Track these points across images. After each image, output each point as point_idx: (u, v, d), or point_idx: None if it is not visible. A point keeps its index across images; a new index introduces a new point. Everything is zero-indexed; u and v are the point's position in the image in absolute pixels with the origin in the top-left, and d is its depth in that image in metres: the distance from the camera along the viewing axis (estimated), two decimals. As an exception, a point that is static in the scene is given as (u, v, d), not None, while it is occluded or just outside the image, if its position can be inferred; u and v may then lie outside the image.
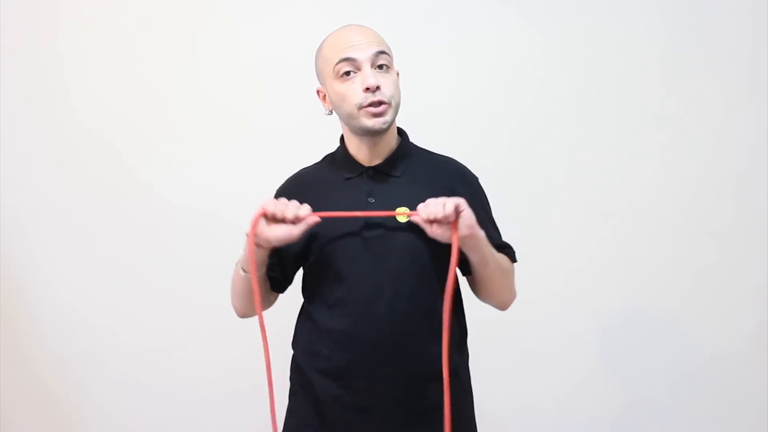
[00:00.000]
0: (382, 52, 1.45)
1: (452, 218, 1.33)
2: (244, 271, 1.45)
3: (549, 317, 2.39)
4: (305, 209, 1.36)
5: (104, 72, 2.42)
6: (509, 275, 1.55)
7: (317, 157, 1.64)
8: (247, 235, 1.38)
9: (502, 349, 2.26)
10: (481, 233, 1.41)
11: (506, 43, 2.40)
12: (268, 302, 1.59)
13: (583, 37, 2.40)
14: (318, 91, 1.54)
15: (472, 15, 2.39)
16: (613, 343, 2.42)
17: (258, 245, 1.39)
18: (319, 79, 1.53)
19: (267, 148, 2.38)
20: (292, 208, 1.36)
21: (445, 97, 2.33)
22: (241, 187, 2.37)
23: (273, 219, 1.36)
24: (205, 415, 2.44)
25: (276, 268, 1.55)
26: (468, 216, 1.35)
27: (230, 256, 1.58)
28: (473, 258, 1.44)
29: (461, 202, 1.34)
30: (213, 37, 2.42)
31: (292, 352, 1.62)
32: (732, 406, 2.40)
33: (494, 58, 2.40)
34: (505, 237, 1.63)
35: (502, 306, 1.58)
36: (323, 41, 1.51)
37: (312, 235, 1.47)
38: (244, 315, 1.59)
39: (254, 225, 1.36)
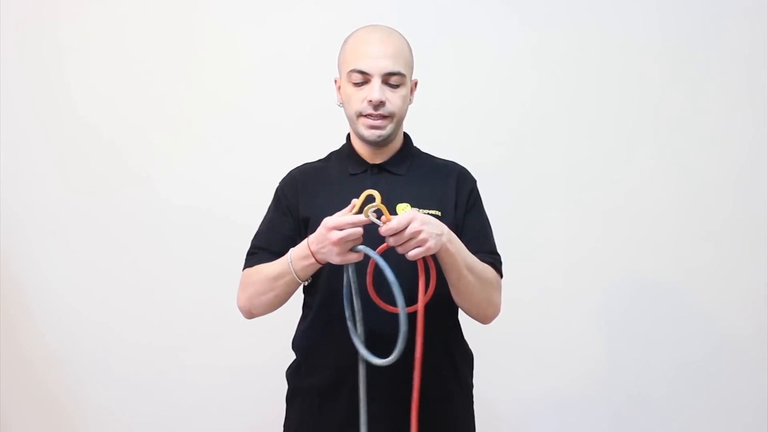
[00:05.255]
0: (395, 74, 1.47)
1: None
2: (300, 279, 1.45)
3: (548, 314, 2.39)
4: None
5: (105, 70, 2.42)
6: (489, 288, 1.50)
7: (316, 157, 1.65)
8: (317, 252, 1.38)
9: (502, 346, 2.26)
10: (453, 246, 1.39)
11: (505, 42, 2.40)
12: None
13: (582, 36, 2.40)
14: (335, 80, 1.57)
15: (471, 14, 2.40)
16: (612, 341, 2.42)
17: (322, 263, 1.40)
18: (338, 70, 1.55)
19: (268, 147, 2.38)
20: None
21: (443, 96, 2.33)
22: (242, 186, 2.37)
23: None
24: (205, 414, 2.43)
25: None
26: (431, 243, 1.33)
27: (231, 255, 1.59)
28: (444, 267, 1.42)
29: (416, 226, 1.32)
30: (214, 35, 2.42)
31: (290, 353, 1.62)
32: (731, 404, 2.40)
33: (493, 57, 2.41)
34: (504, 236, 1.64)
35: (483, 319, 1.54)
36: (351, 35, 1.53)
37: (313, 228, 1.48)
38: (254, 316, 1.57)
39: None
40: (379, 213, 1.34)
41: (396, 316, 1.32)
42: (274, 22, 2.41)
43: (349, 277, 1.39)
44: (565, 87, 2.41)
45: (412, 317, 1.33)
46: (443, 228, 1.38)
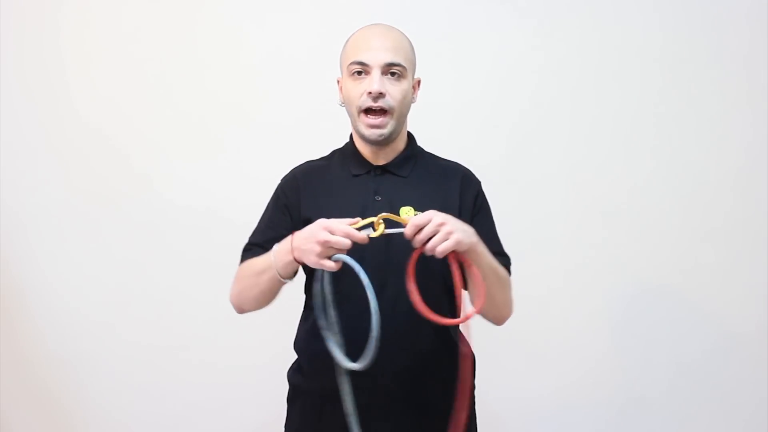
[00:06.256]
0: (395, 65, 1.47)
1: (448, 250, 1.32)
2: (281, 276, 1.44)
3: (548, 315, 2.39)
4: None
5: (106, 70, 2.42)
6: (507, 288, 1.53)
7: (318, 156, 1.65)
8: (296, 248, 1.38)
9: (503, 347, 2.25)
10: (480, 246, 1.40)
11: (504, 41, 2.40)
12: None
13: (581, 36, 2.40)
14: (338, 81, 1.56)
15: (470, 13, 2.40)
16: (612, 341, 2.42)
17: (297, 261, 1.39)
18: (340, 69, 1.55)
19: (268, 147, 2.38)
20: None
21: (443, 95, 2.33)
22: (243, 186, 2.37)
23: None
24: (206, 414, 2.43)
25: None
26: (459, 236, 1.33)
27: (232, 255, 1.59)
28: (476, 264, 1.40)
29: (448, 226, 1.32)
30: (215, 35, 2.42)
31: (292, 353, 1.62)
32: (732, 403, 2.40)
33: (492, 56, 2.41)
34: (503, 235, 1.63)
35: (499, 320, 1.56)
36: (352, 34, 1.54)
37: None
38: (245, 311, 1.58)
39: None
40: (390, 223, 1.35)
41: (392, 321, 1.36)
42: (276, 22, 2.41)
43: (323, 287, 1.40)
44: (564, 87, 2.41)
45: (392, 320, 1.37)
46: (472, 229, 1.38)
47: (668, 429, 2.41)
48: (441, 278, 1.49)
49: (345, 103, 1.53)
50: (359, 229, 1.35)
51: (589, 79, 2.41)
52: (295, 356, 1.61)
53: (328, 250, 1.33)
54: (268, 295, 1.51)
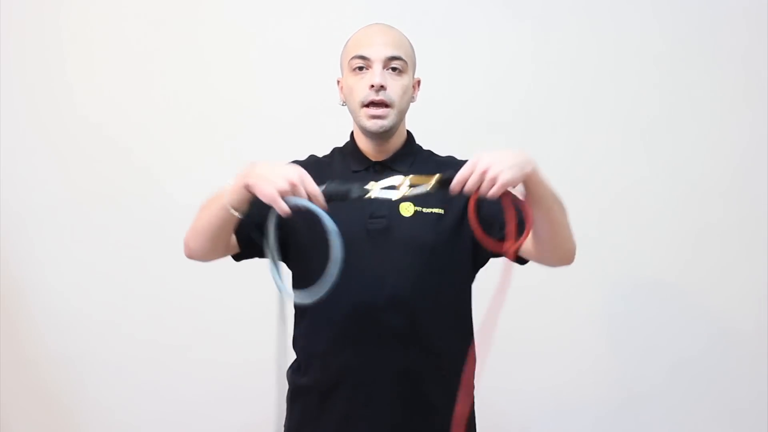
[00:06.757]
0: (396, 58, 1.49)
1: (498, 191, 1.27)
2: (229, 201, 1.37)
3: (545, 311, 2.40)
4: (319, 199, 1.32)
5: (108, 68, 2.43)
6: (567, 217, 1.45)
7: (321, 153, 1.66)
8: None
9: (500, 342, 2.25)
10: (536, 176, 1.33)
11: (499, 41, 2.41)
12: (226, 246, 1.53)
13: (578, 35, 2.41)
14: (338, 81, 1.58)
15: (467, 13, 2.41)
16: (610, 339, 2.43)
17: (248, 188, 1.34)
18: (340, 69, 1.57)
19: (272, 145, 2.37)
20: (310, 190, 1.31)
21: (440, 94, 2.33)
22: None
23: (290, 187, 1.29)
24: (208, 414, 2.44)
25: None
26: (505, 177, 1.26)
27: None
28: (536, 195, 1.35)
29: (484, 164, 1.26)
30: (220, 34, 2.43)
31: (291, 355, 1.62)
32: (731, 400, 2.41)
33: (489, 56, 2.41)
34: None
35: (568, 255, 1.47)
36: (353, 33, 1.56)
37: (314, 222, 1.48)
38: (191, 251, 1.55)
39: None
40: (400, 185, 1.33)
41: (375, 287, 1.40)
42: (278, 21, 2.42)
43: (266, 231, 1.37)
44: (560, 87, 2.41)
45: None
46: (524, 157, 1.31)
47: (667, 426, 2.42)
48: (441, 275, 1.50)
49: (346, 98, 1.54)
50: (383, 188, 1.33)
51: (586, 77, 2.42)
52: (295, 355, 1.62)
53: (288, 194, 1.29)
54: (216, 231, 1.44)
